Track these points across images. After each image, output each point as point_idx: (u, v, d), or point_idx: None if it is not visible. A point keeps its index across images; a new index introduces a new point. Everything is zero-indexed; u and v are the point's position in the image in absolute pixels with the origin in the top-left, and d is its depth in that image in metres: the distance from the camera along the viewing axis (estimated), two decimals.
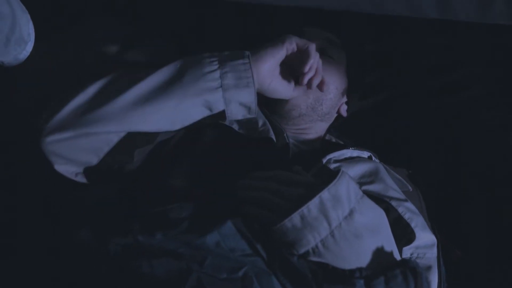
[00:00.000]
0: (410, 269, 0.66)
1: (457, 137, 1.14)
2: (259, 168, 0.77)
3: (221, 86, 0.78)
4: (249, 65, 0.79)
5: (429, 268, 0.84)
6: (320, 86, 0.86)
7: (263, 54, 0.82)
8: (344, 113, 1.06)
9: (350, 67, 1.03)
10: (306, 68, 0.82)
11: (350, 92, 1.06)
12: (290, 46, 0.83)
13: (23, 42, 0.93)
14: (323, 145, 1.02)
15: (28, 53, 0.96)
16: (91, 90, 0.80)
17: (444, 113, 1.16)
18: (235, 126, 0.90)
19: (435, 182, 1.12)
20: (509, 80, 1.11)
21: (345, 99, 1.05)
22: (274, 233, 0.66)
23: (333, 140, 1.08)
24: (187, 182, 0.79)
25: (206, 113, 0.81)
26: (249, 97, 0.80)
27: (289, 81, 0.87)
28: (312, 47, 0.83)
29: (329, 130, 1.08)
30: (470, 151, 1.12)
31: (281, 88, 0.86)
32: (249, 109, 0.82)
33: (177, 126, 0.81)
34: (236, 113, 0.82)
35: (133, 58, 1.21)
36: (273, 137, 0.89)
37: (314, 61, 0.83)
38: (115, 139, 0.80)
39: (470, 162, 1.12)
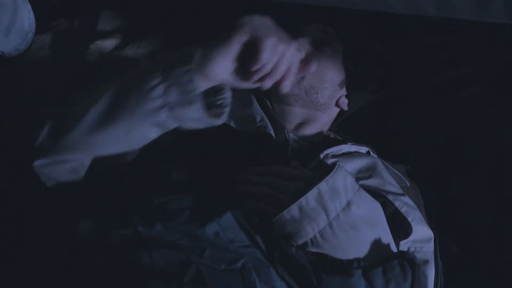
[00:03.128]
0: (408, 260, 0.67)
1: (454, 135, 1.15)
2: (257, 164, 0.77)
3: (165, 105, 0.70)
4: (193, 75, 0.69)
5: (426, 262, 0.85)
6: (278, 84, 0.74)
7: (214, 55, 0.70)
8: (344, 106, 1.05)
9: (348, 61, 1.03)
10: (254, 67, 0.70)
11: (352, 87, 1.05)
12: (242, 38, 0.70)
13: (24, 33, 0.93)
14: (322, 141, 1.02)
15: (29, 44, 0.96)
16: (56, 115, 0.77)
17: (442, 111, 1.17)
18: (233, 124, 0.90)
19: (433, 178, 1.13)
20: (506, 79, 1.11)
21: (344, 91, 1.04)
22: (273, 225, 0.67)
23: (332, 135, 1.08)
24: (186, 177, 0.79)
25: (162, 131, 0.74)
26: (196, 113, 0.71)
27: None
28: (267, 43, 0.69)
29: (329, 127, 1.09)
30: (468, 148, 1.13)
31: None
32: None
33: (137, 147, 0.76)
34: (196, 126, 0.74)
35: (131, 52, 1.21)
36: (272, 132, 0.89)
37: (268, 58, 0.70)
38: (87, 162, 0.77)
39: (468, 159, 1.12)
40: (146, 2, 1.21)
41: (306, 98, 0.99)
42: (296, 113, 1.01)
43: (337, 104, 1.04)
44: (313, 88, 0.98)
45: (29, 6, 0.94)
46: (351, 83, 1.04)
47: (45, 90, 1.13)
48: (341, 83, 1.02)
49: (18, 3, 0.89)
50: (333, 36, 1.03)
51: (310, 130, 1.02)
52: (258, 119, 0.92)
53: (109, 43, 1.20)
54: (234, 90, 1.01)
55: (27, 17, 0.93)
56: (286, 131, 0.92)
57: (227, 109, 0.75)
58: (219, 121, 0.74)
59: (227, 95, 0.76)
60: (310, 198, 0.66)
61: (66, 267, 0.66)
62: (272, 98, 1.01)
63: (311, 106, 1.00)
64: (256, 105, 0.96)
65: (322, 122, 1.04)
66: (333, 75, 1.00)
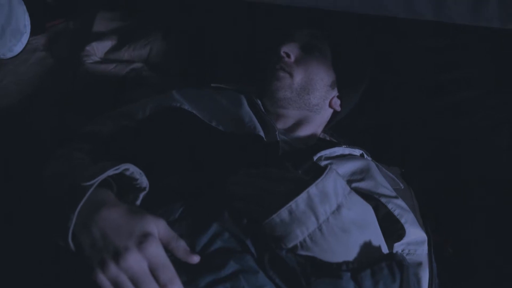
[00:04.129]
0: (397, 262, 0.66)
1: (451, 137, 1.15)
2: (248, 165, 0.76)
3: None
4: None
5: (419, 264, 0.85)
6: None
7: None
8: (337, 107, 1.06)
9: (338, 62, 1.03)
10: None
11: (344, 89, 1.05)
12: None
13: (18, 34, 0.93)
14: (316, 143, 1.02)
15: (24, 45, 0.95)
16: None
17: (439, 113, 1.17)
18: (221, 127, 0.91)
19: (428, 181, 1.13)
20: (501, 82, 1.12)
21: (335, 92, 1.05)
22: (263, 228, 0.67)
23: (327, 138, 1.09)
24: (177, 181, 0.78)
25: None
26: None
27: None
28: None
29: (324, 129, 1.09)
30: (463, 150, 1.13)
31: None
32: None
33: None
34: None
35: (127, 54, 1.22)
36: (261, 133, 0.90)
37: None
38: None
39: (463, 161, 1.12)
40: (141, 3, 1.21)
41: (298, 100, 1.00)
42: (290, 115, 1.02)
43: (330, 105, 1.05)
44: (304, 90, 1.00)
45: (24, 7, 0.93)
46: (343, 85, 1.04)
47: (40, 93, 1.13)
48: (332, 83, 1.03)
49: (13, 3, 0.89)
50: (322, 39, 1.04)
51: (304, 131, 1.02)
52: (246, 120, 0.92)
53: (104, 45, 1.20)
54: (225, 92, 1.03)
55: (22, 18, 0.92)
56: (276, 132, 0.92)
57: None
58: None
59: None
60: (300, 201, 0.66)
61: (63, 278, 0.66)
62: (266, 101, 1.02)
63: (304, 107, 1.01)
64: (245, 107, 0.97)
65: (316, 123, 1.05)
66: (323, 76, 1.01)
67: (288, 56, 1.01)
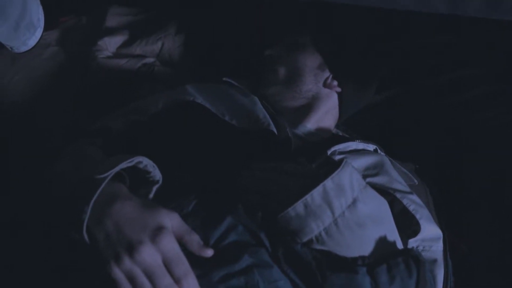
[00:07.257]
0: (413, 257, 0.66)
1: (463, 134, 1.14)
2: (260, 160, 0.77)
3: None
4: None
5: (434, 261, 0.85)
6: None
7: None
8: (334, 88, 1.02)
9: (321, 44, 1.03)
10: None
11: (355, 82, 1.04)
12: None
13: (32, 28, 0.93)
14: (330, 138, 1.01)
15: (38, 39, 0.96)
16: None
17: (451, 110, 1.16)
18: (235, 122, 0.90)
19: (442, 177, 1.12)
20: None
21: (327, 73, 1.02)
22: (278, 222, 0.67)
23: (340, 134, 1.08)
24: (190, 175, 0.78)
25: None
26: None
27: None
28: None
29: (337, 125, 1.08)
30: (476, 148, 1.12)
31: None
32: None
33: None
34: None
35: (139, 49, 1.22)
36: (274, 129, 0.89)
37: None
38: None
39: (476, 158, 1.12)
40: None
41: (289, 91, 1.01)
42: (290, 107, 1.01)
43: (325, 86, 1.02)
44: (291, 79, 1.01)
45: (38, 1, 0.94)
46: (334, 65, 1.03)
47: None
48: (319, 65, 1.02)
49: None
50: (304, 33, 1.06)
51: (314, 122, 1.00)
52: (261, 117, 0.92)
53: (117, 40, 1.21)
54: (239, 89, 1.03)
55: (36, 12, 0.92)
56: (287, 129, 0.91)
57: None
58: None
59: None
60: (315, 195, 0.65)
61: (72, 274, 0.66)
62: (266, 100, 1.01)
63: (298, 96, 1.01)
64: (259, 105, 0.97)
65: (321, 110, 1.01)
66: (306, 61, 1.02)
67: (272, 56, 1.04)
